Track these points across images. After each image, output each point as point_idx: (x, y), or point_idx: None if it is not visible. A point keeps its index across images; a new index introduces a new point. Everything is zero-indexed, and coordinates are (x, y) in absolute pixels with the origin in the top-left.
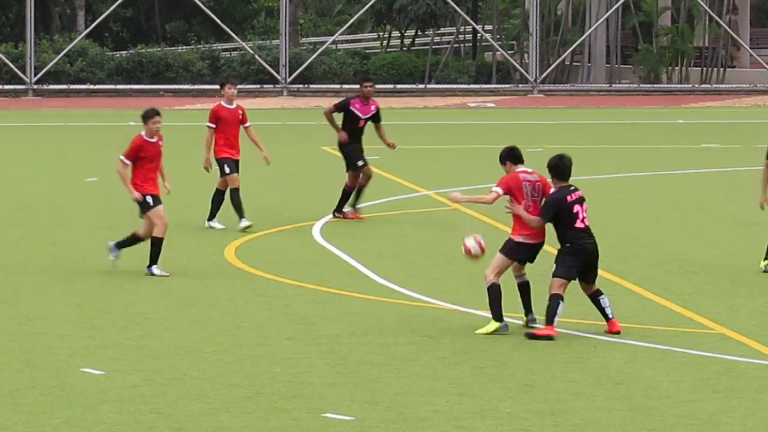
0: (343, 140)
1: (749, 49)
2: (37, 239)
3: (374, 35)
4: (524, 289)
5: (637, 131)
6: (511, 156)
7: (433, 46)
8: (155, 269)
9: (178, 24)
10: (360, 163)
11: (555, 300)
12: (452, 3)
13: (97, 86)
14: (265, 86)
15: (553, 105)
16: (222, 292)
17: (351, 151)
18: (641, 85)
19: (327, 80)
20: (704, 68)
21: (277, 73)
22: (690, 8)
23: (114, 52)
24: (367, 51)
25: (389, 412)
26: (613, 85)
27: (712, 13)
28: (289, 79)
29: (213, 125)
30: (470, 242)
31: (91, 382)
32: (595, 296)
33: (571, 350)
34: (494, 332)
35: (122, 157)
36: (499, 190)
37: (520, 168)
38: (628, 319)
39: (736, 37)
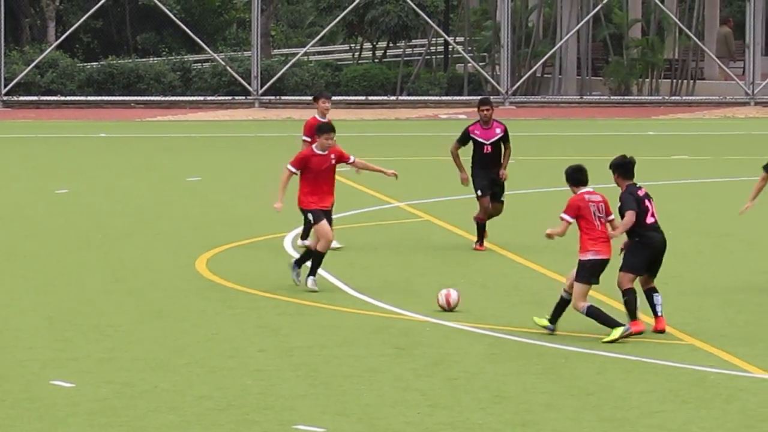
0: (464, 182)
1: (718, 61)
2: (8, 251)
3: (346, 47)
4: (564, 303)
5: (608, 143)
6: (572, 178)
7: (405, 58)
8: (309, 281)
9: (149, 35)
10: (478, 192)
11: (630, 294)
12: (424, 15)
13: (68, 98)
14: (236, 98)
15: (524, 117)
16: (193, 304)
17: (474, 179)
18: (611, 97)
19: (299, 92)
20: (674, 80)
21: (249, 84)
22: (660, 21)
23: (85, 64)
24: (339, 63)
25: (360, 424)
26: (584, 97)
27: (681, 26)
28: (260, 91)
29: (308, 138)
30: (441, 299)
31: (62, 394)
32: (650, 292)
33: (542, 362)
34: (621, 336)
35: (289, 166)
36: (568, 218)
37: (582, 189)
38: (598, 330)
39: (705, 48)
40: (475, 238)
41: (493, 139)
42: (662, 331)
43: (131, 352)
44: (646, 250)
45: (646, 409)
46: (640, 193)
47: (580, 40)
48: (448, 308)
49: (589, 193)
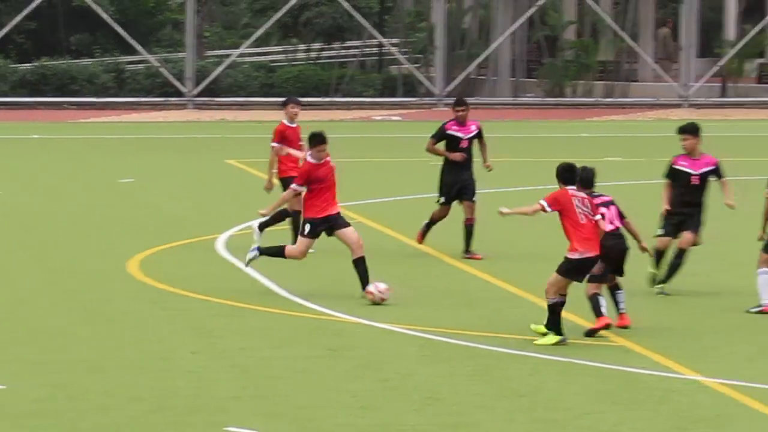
0: (461, 159)
1: (653, 63)
2: None
3: (281, 48)
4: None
5: (541, 144)
6: (561, 177)
7: (340, 60)
8: (370, 287)
9: (83, 36)
10: (442, 200)
11: (594, 297)
12: (358, 16)
13: (0, 99)
14: (170, 99)
15: None
16: (125, 306)
17: (441, 185)
18: (545, 99)
19: (232, 93)
20: (608, 82)
21: (183, 85)
22: (595, 23)
23: (18, 65)
24: (274, 64)
25: (292, 426)
26: (518, 99)
27: (616, 28)
28: (194, 92)
29: (276, 145)
30: (372, 289)
31: None
32: (613, 290)
33: (474, 363)
34: (554, 344)
35: (295, 186)
36: (545, 205)
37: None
38: (530, 331)
39: (639, 50)
40: (407, 239)
41: (470, 135)
42: (626, 327)
43: (63, 354)
44: (605, 259)
45: (578, 410)
46: (596, 201)
47: (514, 42)
48: (379, 297)
49: (574, 190)
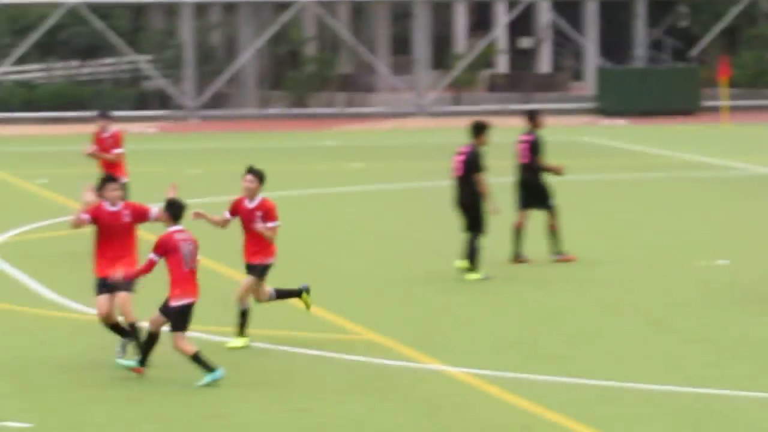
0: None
1: (389, 76)
2: None
3: (41, 66)
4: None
5: (288, 154)
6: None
7: (96, 77)
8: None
9: None
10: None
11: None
12: (111, 35)
13: None
14: None
15: (210, 130)
16: None
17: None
18: (289, 110)
19: None
20: (348, 93)
21: None
22: (334, 38)
23: None
24: (34, 81)
25: (67, 419)
26: (263, 111)
27: (354, 42)
28: None
29: None
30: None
31: None
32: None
33: (229, 357)
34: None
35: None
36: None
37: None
38: (285, 327)
39: (376, 63)
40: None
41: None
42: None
43: None
44: None
45: (331, 400)
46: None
47: (260, 57)
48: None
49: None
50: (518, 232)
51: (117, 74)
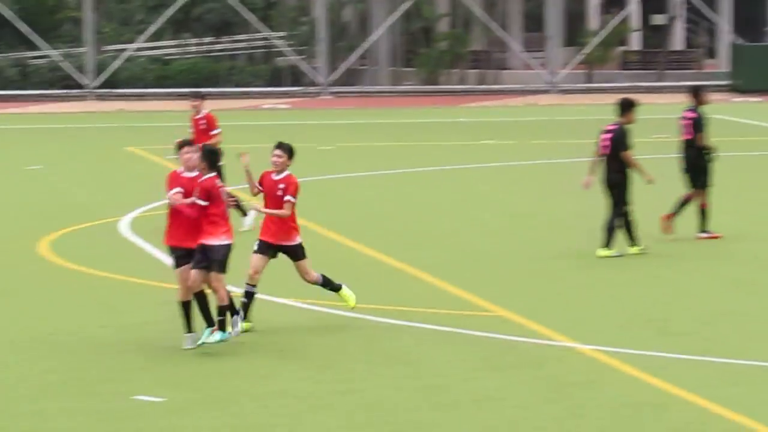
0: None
1: (519, 53)
2: None
3: (174, 42)
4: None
5: (420, 130)
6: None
7: (229, 52)
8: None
9: None
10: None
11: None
12: (244, 12)
13: None
14: (72, 91)
15: (341, 106)
16: (36, 285)
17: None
18: (422, 87)
19: (130, 85)
20: (480, 70)
21: (83, 78)
22: (466, 15)
23: None
24: (167, 57)
25: (197, 393)
26: (396, 87)
27: (487, 19)
28: (94, 84)
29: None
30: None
31: None
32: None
33: (363, 334)
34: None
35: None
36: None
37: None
38: (416, 304)
39: (509, 41)
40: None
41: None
42: None
43: None
44: None
45: (461, 376)
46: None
47: (392, 34)
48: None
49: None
50: (703, 211)
51: (250, 50)
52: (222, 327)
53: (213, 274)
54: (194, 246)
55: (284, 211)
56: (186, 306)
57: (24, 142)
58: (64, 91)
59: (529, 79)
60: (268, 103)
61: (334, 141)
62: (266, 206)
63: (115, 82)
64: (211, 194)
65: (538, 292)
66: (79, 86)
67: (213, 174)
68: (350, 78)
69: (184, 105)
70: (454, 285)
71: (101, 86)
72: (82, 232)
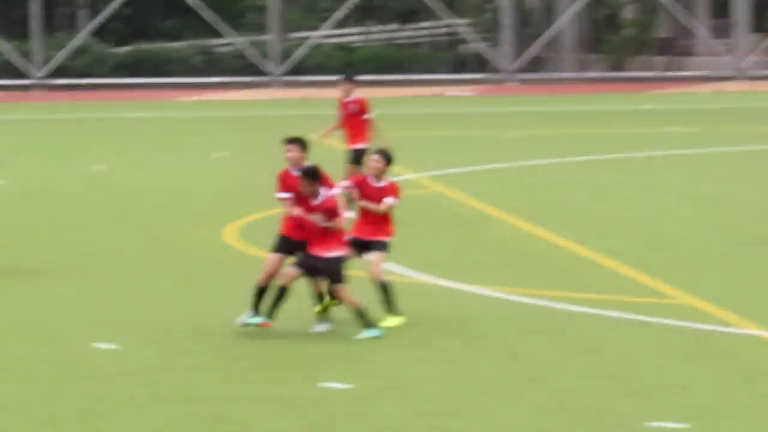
0: None
1: (708, 39)
2: (50, 224)
3: (358, 29)
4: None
5: (606, 117)
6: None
7: (413, 40)
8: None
9: (174, 21)
10: None
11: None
12: (427, 0)
13: (100, 80)
14: (256, 78)
15: (528, 93)
16: (222, 271)
17: None
18: (607, 74)
19: (315, 72)
20: (666, 57)
21: (268, 65)
22: (652, 1)
23: (115, 49)
24: (351, 44)
25: (383, 380)
26: (581, 74)
27: (673, 6)
28: (279, 72)
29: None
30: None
31: (105, 356)
32: None
33: (550, 322)
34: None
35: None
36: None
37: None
38: (604, 291)
39: (695, 27)
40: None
41: None
42: None
43: (165, 317)
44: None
45: (651, 364)
46: None
47: (577, 20)
48: None
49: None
50: None
51: (434, 38)
52: (369, 325)
53: (334, 286)
54: (303, 242)
55: (385, 209)
56: (261, 291)
57: (209, 130)
58: (249, 78)
59: (715, 65)
60: (453, 91)
61: (520, 128)
62: (362, 213)
63: (300, 70)
64: (331, 214)
65: (726, 279)
66: (264, 74)
67: (333, 192)
68: (536, 65)
69: (369, 93)
70: (641, 271)
71: (285, 73)
72: (268, 219)
